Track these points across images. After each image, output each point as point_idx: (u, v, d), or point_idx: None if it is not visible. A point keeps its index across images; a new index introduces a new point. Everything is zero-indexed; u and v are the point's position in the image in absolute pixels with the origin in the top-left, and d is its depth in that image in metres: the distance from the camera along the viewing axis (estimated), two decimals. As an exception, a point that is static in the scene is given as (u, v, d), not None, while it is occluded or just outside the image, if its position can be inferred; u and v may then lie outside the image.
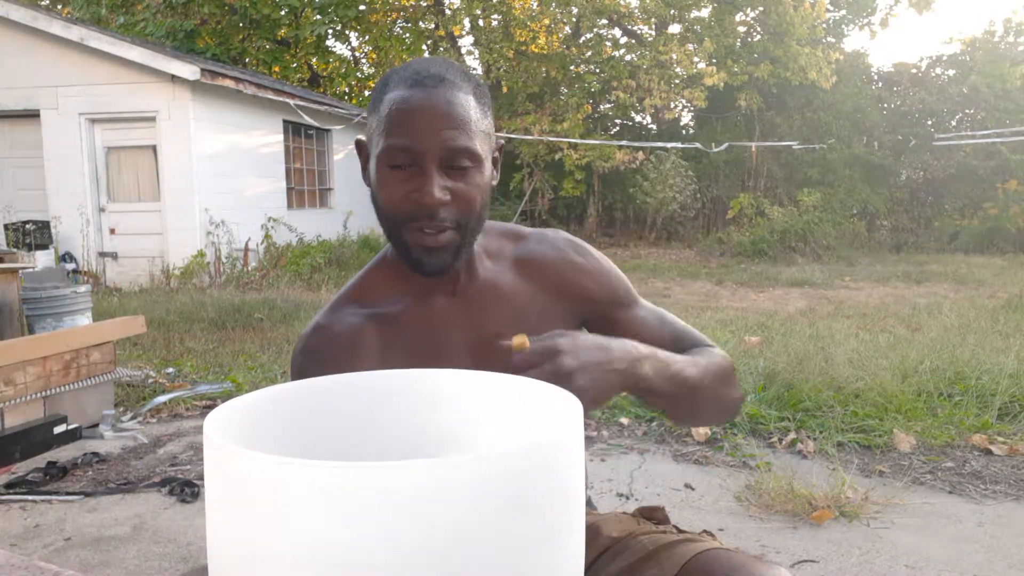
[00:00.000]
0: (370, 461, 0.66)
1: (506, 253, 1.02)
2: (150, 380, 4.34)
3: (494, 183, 0.98)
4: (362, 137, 0.98)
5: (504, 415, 0.64)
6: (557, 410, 0.57)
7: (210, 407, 3.99)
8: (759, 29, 14.78)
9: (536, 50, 15.06)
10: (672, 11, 14.20)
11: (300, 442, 0.63)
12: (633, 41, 15.33)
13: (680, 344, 1.03)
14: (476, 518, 0.43)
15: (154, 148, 8.68)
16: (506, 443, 0.51)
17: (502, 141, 1.03)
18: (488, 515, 0.44)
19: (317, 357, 0.94)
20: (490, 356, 0.89)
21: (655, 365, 0.86)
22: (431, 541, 0.43)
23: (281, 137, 10.51)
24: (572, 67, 14.80)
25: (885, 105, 14.95)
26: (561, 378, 0.74)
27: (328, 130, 11.57)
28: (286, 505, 0.43)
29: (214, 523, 0.48)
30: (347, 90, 17.03)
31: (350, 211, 11.80)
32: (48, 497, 2.80)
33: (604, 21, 15.20)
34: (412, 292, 0.97)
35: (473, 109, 0.91)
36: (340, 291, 1.01)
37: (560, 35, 15.50)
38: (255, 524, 0.44)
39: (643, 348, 0.86)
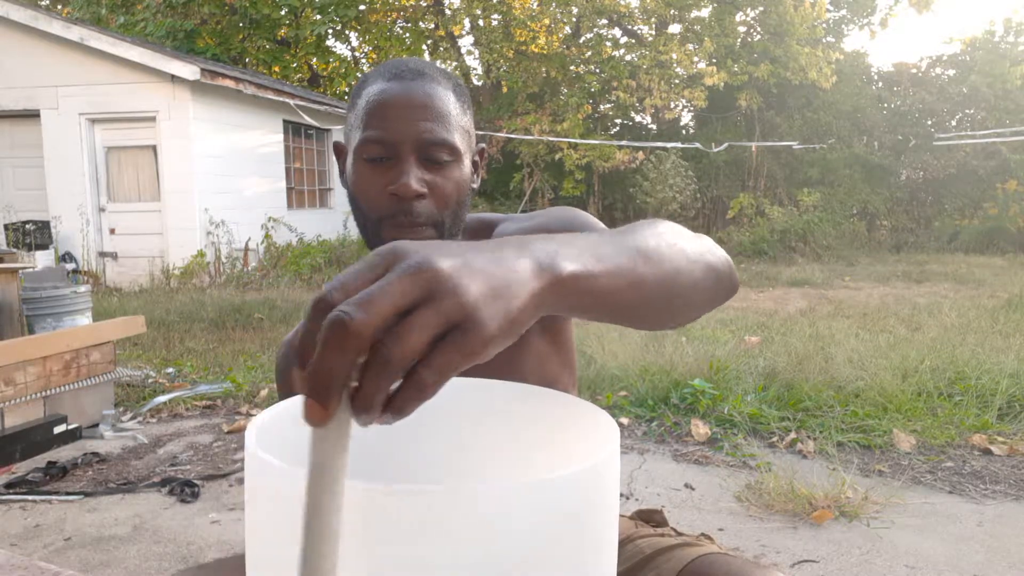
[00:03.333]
0: (406, 475, 0.66)
1: None
2: (150, 380, 4.34)
3: (474, 186, 0.97)
4: (340, 140, 0.96)
5: (528, 425, 0.63)
6: (592, 423, 0.55)
7: (210, 407, 3.99)
8: (759, 29, 14.77)
9: (536, 50, 15.06)
10: (672, 11, 14.20)
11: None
12: (633, 41, 15.32)
13: None
14: (541, 538, 0.44)
15: (154, 148, 8.68)
16: (567, 463, 0.50)
17: (483, 145, 1.01)
18: (550, 536, 0.44)
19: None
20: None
21: (577, 249, 0.49)
22: (497, 562, 0.43)
23: (281, 137, 10.51)
24: (572, 67, 14.80)
25: (885, 105, 14.94)
26: (435, 297, 0.38)
27: (328, 130, 11.58)
28: (359, 527, 0.42)
29: (258, 543, 0.48)
30: (347, 90, 17.01)
31: (350, 211, 11.78)
32: (48, 497, 2.80)
33: (604, 21, 15.19)
34: None
35: (452, 104, 0.90)
36: None
37: (560, 35, 15.49)
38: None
39: (550, 237, 0.49)
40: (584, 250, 0.50)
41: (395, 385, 0.38)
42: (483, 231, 0.98)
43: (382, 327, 0.36)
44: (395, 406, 0.38)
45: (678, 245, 0.62)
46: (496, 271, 0.42)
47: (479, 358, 0.39)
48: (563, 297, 0.47)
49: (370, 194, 0.88)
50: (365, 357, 0.37)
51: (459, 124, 0.90)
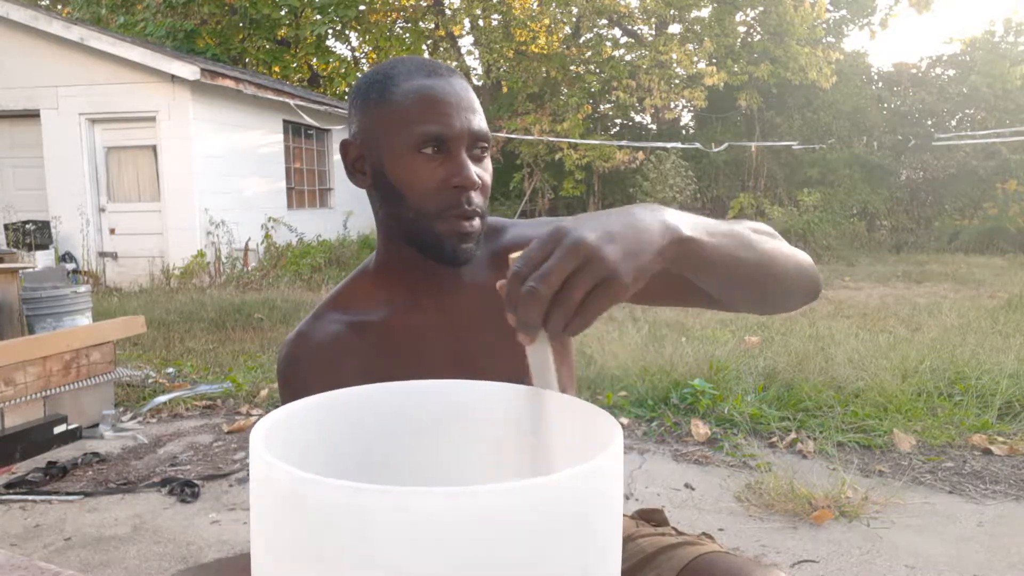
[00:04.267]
0: (408, 478, 0.67)
1: (487, 251, 0.97)
2: (150, 380, 4.34)
3: None
4: (348, 138, 0.94)
5: (534, 427, 0.63)
6: (596, 425, 0.56)
7: (210, 407, 3.99)
8: (759, 29, 14.77)
9: (536, 50, 15.05)
10: (672, 11, 14.19)
11: (339, 457, 0.63)
12: (633, 41, 15.32)
13: None
14: (546, 540, 0.44)
15: (154, 148, 8.68)
16: (572, 465, 0.51)
17: None
18: (556, 537, 0.44)
19: (299, 364, 0.93)
20: (474, 365, 0.89)
21: (693, 221, 0.66)
22: (502, 564, 0.43)
23: (281, 137, 10.51)
24: (572, 67, 14.79)
25: (885, 105, 14.94)
26: (588, 264, 0.55)
27: (328, 130, 11.57)
28: (358, 530, 0.42)
29: (263, 546, 0.48)
30: (347, 90, 17.00)
31: (350, 211, 11.81)
32: (48, 497, 2.80)
33: (604, 21, 15.19)
34: (395, 301, 0.94)
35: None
36: (323, 299, 0.99)
37: (560, 35, 15.48)
38: (316, 548, 0.44)
39: (675, 211, 0.66)
40: (699, 224, 0.65)
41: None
42: (491, 235, 0.98)
43: (557, 288, 0.55)
44: (571, 328, 0.57)
45: (773, 242, 0.77)
46: (630, 234, 0.59)
47: (620, 300, 0.58)
48: (680, 256, 0.63)
49: (428, 188, 0.87)
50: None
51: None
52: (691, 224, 0.64)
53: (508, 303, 0.57)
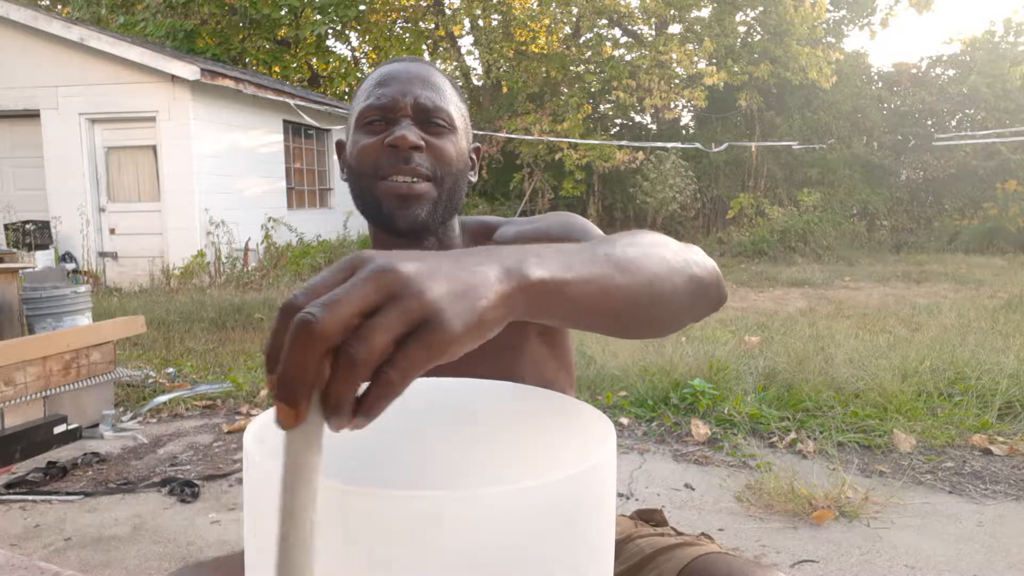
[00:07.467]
0: (393, 472, 0.66)
1: None
2: (150, 380, 4.34)
3: (472, 179, 0.98)
4: (342, 138, 0.99)
5: (525, 426, 0.63)
6: (589, 424, 0.56)
7: (210, 407, 3.99)
8: (759, 29, 14.77)
9: (536, 50, 15.06)
10: (672, 11, 14.20)
11: (332, 455, 0.63)
12: (633, 41, 15.33)
13: None
14: (536, 542, 0.44)
15: (154, 148, 8.68)
16: (562, 466, 0.49)
17: (478, 144, 1.02)
18: (545, 539, 0.44)
19: None
20: (473, 362, 0.88)
21: (546, 256, 0.49)
22: (491, 567, 0.43)
23: (281, 137, 10.51)
24: (572, 67, 14.80)
25: (885, 105, 14.94)
26: (398, 299, 0.38)
27: (328, 130, 11.57)
28: (347, 530, 0.43)
29: (256, 545, 0.48)
30: (347, 90, 17.01)
31: (350, 211, 11.80)
32: (48, 497, 2.80)
33: (604, 21, 15.19)
34: None
35: (449, 86, 0.94)
36: None
37: (560, 35, 15.49)
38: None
39: (521, 247, 0.50)
40: (554, 258, 0.50)
41: (363, 388, 0.37)
42: (484, 233, 0.99)
43: (347, 328, 0.36)
44: (364, 407, 0.38)
45: (659, 255, 0.62)
46: (461, 274, 0.42)
47: (445, 356, 0.39)
48: (533, 302, 0.46)
49: (366, 152, 0.90)
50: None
51: (454, 102, 0.94)
52: (543, 262, 0.48)
53: (267, 353, 0.38)
